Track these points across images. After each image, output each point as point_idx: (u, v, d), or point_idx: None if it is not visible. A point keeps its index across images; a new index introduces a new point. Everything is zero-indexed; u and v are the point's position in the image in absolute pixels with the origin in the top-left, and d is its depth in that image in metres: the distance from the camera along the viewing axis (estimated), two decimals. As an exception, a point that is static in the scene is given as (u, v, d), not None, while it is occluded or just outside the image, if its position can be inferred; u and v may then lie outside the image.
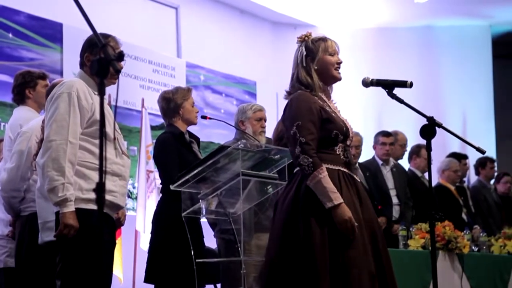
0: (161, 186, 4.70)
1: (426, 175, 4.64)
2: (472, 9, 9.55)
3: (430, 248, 4.00)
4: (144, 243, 5.93)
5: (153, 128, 6.85)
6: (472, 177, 9.00)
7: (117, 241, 4.50)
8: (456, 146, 8.98)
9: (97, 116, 3.38)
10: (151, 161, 6.16)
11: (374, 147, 6.96)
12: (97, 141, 3.39)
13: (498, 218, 8.09)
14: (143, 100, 6.64)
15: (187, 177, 4.11)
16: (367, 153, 6.78)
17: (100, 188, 2.30)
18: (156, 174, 5.63)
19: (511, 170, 9.07)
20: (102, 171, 2.32)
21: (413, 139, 7.11)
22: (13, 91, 4.67)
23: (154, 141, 4.87)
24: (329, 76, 3.47)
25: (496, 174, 8.67)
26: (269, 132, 5.17)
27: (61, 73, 6.53)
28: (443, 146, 8.56)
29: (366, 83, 3.53)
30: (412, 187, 7.02)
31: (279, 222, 3.36)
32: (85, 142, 3.38)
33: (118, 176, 3.47)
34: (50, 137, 3.30)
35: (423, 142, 3.47)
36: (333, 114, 3.40)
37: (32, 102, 4.61)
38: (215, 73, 8.42)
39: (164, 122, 4.82)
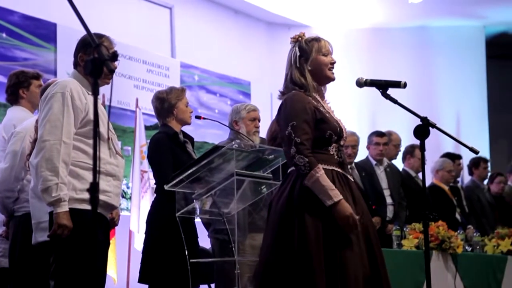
0: (155, 186, 4.70)
1: (420, 175, 4.65)
2: (466, 10, 9.56)
3: (423, 248, 4.00)
4: (138, 243, 5.92)
5: (147, 128, 6.84)
6: (465, 177, 9.02)
7: (111, 241, 4.49)
8: (450, 146, 8.99)
9: (91, 116, 3.37)
10: (145, 161, 6.15)
11: (368, 147, 6.96)
12: (91, 141, 3.38)
13: (492, 218, 8.11)
14: (137, 100, 6.62)
15: (181, 177, 4.11)
16: (360, 153, 6.78)
17: (94, 188, 2.30)
18: (150, 174, 5.64)
19: (504, 170, 9.09)
20: (96, 171, 2.32)
21: (407, 139, 7.12)
22: (6, 91, 4.66)
23: (148, 141, 4.86)
24: (323, 76, 3.47)
25: (489, 174, 8.68)
26: (263, 132, 5.17)
27: (55, 73, 6.51)
28: (437, 146, 8.57)
29: (360, 84, 3.53)
30: (406, 187, 7.03)
31: (273, 222, 3.36)
32: (79, 142, 3.38)
33: (112, 176, 3.47)
34: (44, 137, 3.30)
35: (417, 142, 3.47)
36: (327, 115, 3.40)
37: (26, 102, 4.61)
38: (209, 73, 8.41)
39: (158, 122, 4.81)
